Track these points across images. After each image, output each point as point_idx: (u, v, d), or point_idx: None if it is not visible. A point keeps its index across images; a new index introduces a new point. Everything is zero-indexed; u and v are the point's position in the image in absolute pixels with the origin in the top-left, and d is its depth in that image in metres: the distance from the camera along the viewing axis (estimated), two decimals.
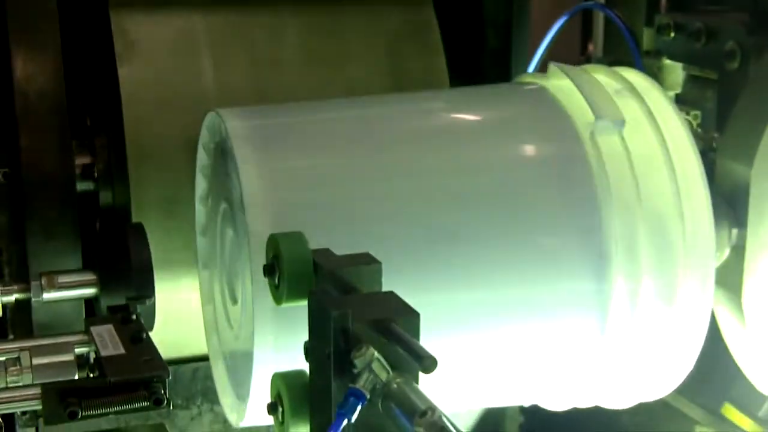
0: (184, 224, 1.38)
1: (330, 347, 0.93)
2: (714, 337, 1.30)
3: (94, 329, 1.02)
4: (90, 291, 1.19)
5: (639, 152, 1.21)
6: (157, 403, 0.89)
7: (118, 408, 0.88)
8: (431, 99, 1.36)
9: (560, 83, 1.28)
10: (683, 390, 1.52)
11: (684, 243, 1.21)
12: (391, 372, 0.89)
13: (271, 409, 1.04)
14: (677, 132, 1.25)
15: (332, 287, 0.98)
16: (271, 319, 1.09)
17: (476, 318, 1.17)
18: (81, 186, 1.40)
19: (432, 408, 0.83)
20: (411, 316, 0.93)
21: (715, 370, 1.49)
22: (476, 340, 1.18)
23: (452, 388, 1.19)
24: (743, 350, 1.37)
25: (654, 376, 1.27)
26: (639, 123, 1.23)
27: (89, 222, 1.40)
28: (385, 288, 0.99)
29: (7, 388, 1.00)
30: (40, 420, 1.11)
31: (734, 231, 1.32)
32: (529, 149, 1.24)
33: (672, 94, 1.57)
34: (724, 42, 1.45)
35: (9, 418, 1.25)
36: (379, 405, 0.90)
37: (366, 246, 1.02)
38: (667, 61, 1.57)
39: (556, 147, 1.23)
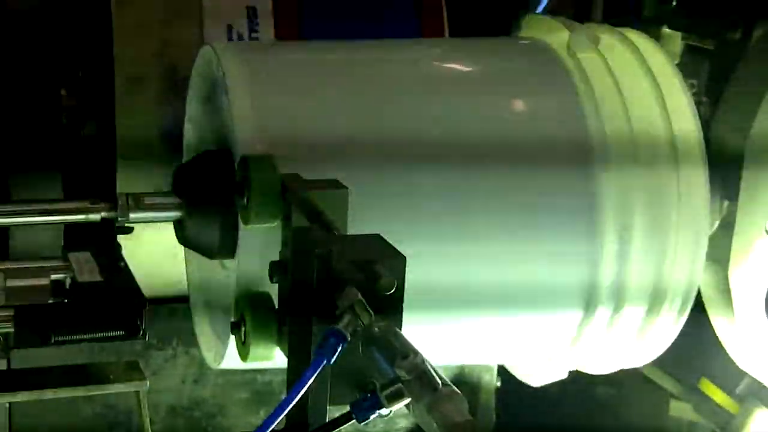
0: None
1: (311, 287, 0.91)
2: (694, 311, 1.29)
3: (72, 255, 1.00)
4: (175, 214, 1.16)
5: (636, 113, 1.20)
6: (132, 332, 0.87)
7: (91, 335, 0.86)
8: (434, 47, 1.34)
9: (561, 38, 1.27)
10: (661, 364, 1.52)
11: (678, 206, 1.19)
12: (373, 315, 0.87)
13: (234, 328, 1.05)
14: (674, 91, 1.24)
15: (300, 211, 0.98)
16: (256, 247, 1.08)
17: (462, 270, 1.16)
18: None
19: (414, 351, 0.81)
20: (396, 259, 0.91)
21: (693, 345, 1.48)
22: (461, 293, 1.17)
23: (433, 341, 1.18)
24: (727, 326, 1.36)
25: (639, 342, 1.26)
26: (637, 80, 1.22)
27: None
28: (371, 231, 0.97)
29: None
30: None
31: (725, 203, 1.30)
32: (525, 101, 1.23)
33: None
34: (727, 12, 1.43)
35: None
36: (360, 347, 0.88)
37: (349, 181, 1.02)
38: (667, 30, 1.55)
39: (553, 101, 1.21)
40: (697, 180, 1.21)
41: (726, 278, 1.31)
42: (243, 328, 1.06)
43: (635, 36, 1.30)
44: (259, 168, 1.04)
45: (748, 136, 1.29)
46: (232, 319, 1.08)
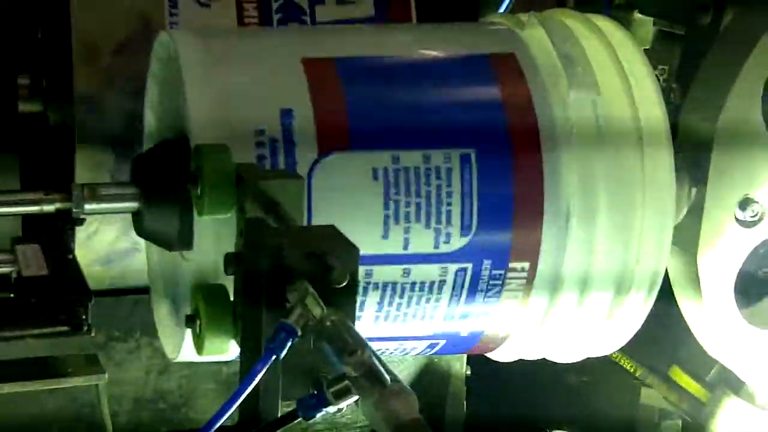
0: None
1: (262, 279, 0.89)
2: (663, 298, 1.28)
3: (19, 248, 0.98)
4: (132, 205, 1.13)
5: (601, 96, 1.18)
6: (77, 328, 0.85)
7: (34, 331, 0.84)
8: (397, 32, 1.32)
9: (532, 32, 1.24)
10: (631, 351, 1.51)
11: (643, 189, 1.18)
12: (325, 309, 0.86)
13: (189, 321, 1.03)
14: (641, 75, 1.22)
15: (254, 202, 0.96)
16: (210, 238, 1.06)
17: None
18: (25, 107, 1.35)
19: (362, 346, 0.79)
20: (350, 251, 0.90)
21: (663, 332, 1.47)
22: None
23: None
24: (696, 314, 1.35)
25: (606, 328, 1.24)
26: (602, 63, 1.20)
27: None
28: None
29: None
30: None
31: (693, 189, 1.29)
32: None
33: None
34: None
35: None
36: (311, 342, 0.86)
37: None
38: (638, 15, 1.54)
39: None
40: (662, 163, 1.20)
41: (695, 265, 1.30)
42: (198, 321, 1.04)
43: (601, 21, 1.28)
44: (213, 157, 1.02)
45: (717, 120, 1.28)
46: (187, 312, 1.06)
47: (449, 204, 1.14)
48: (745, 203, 1.30)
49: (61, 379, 1.21)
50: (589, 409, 1.66)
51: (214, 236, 1.06)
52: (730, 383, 1.47)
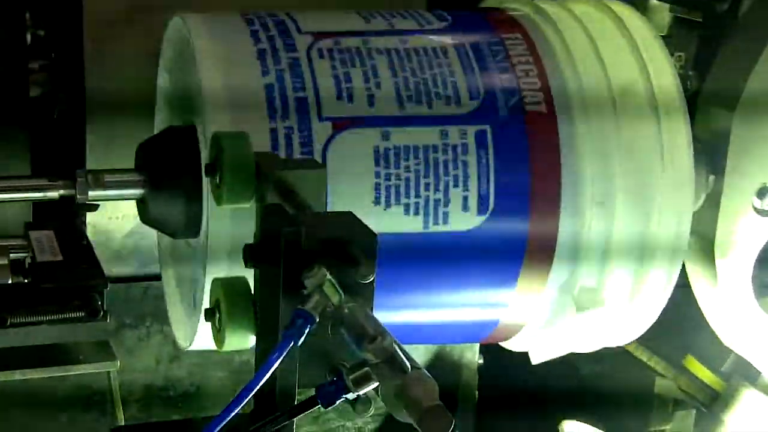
0: None
1: (279, 266, 0.88)
2: (679, 288, 1.26)
3: (33, 234, 0.96)
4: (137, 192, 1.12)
5: (615, 73, 1.18)
6: (93, 314, 0.84)
7: (49, 317, 0.82)
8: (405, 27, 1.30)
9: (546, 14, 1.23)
10: (645, 341, 1.50)
11: (662, 180, 1.17)
12: (343, 295, 0.85)
13: (209, 314, 1.00)
14: (661, 66, 1.21)
15: (274, 191, 0.94)
16: (227, 225, 1.04)
17: None
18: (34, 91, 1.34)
19: (383, 333, 0.78)
20: (368, 238, 0.88)
21: (678, 322, 1.46)
22: None
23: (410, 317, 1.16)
24: (712, 303, 1.34)
25: (627, 313, 1.23)
26: (623, 55, 1.19)
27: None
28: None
29: None
30: None
31: (711, 178, 1.28)
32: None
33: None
34: None
35: None
36: (329, 329, 0.85)
37: None
38: (654, 1, 1.52)
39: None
40: (678, 131, 1.19)
41: (712, 253, 1.29)
42: (218, 315, 1.00)
43: (615, 5, 1.27)
44: (232, 146, 0.99)
45: (735, 109, 1.27)
46: (206, 306, 1.03)
47: (467, 185, 1.13)
48: (763, 192, 1.28)
49: (73, 366, 1.20)
50: (602, 399, 1.65)
51: (227, 226, 1.05)
52: (746, 374, 1.46)
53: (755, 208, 1.29)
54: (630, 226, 1.18)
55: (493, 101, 1.16)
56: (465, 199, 1.13)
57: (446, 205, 1.13)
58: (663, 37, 1.50)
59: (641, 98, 1.19)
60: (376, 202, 1.12)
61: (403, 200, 1.12)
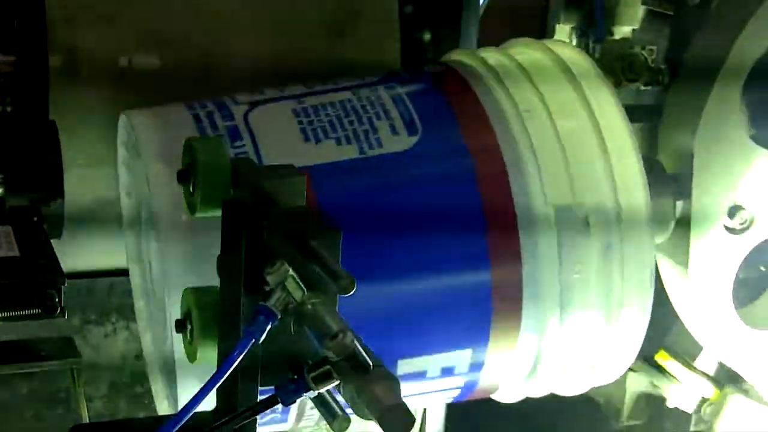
0: None
1: (241, 261, 0.86)
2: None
3: None
4: None
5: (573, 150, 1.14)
6: (49, 310, 0.82)
7: (5, 314, 0.81)
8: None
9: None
10: None
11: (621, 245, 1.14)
12: (306, 292, 0.83)
13: (180, 326, 0.97)
14: (614, 120, 1.16)
15: (251, 198, 0.91)
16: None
17: None
18: None
19: (344, 330, 0.77)
20: (331, 234, 0.87)
21: (651, 316, 1.45)
22: None
23: None
24: (684, 300, 1.33)
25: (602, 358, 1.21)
26: (573, 108, 1.16)
27: None
28: None
29: None
30: None
31: (678, 203, 1.27)
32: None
33: (629, 29, 1.51)
34: None
35: None
36: (291, 326, 0.83)
37: None
38: None
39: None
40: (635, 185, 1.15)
41: (685, 267, 1.28)
42: (189, 326, 0.97)
43: (569, 53, 1.22)
44: (207, 151, 0.94)
45: (696, 131, 1.25)
46: (177, 317, 0.99)
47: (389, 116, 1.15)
48: (733, 211, 1.28)
49: (36, 363, 1.18)
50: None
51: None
52: (733, 380, 1.45)
53: (727, 228, 1.28)
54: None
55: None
56: (392, 126, 1.13)
57: (375, 132, 1.13)
58: (634, 30, 1.50)
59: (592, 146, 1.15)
60: (306, 139, 1.12)
61: (332, 135, 1.13)
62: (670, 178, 1.26)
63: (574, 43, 1.56)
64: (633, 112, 1.42)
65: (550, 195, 1.12)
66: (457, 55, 1.27)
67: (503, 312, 1.13)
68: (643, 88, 1.44)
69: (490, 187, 1.12)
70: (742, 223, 1.28)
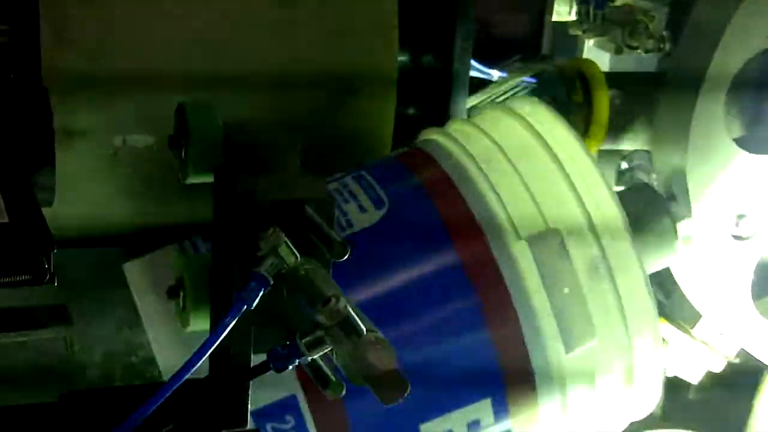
0: None
1: (233, 227, 0.85)
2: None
3: None
4: None
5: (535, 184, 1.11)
6: (39, 277, 0.81)
7: None
8: None
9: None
10: None
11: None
12: (299, 257, 0.82)
13: (172, 293, 0.96)
14: (598, 189, 1.12)
15: (243, 163, 0.89)
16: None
17: None
18: None
19: (337, 295, 0.76)
20: (324, 200, 0.86)
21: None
22: None
23: None
24: (683, 268, 1.32)
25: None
26: (526, 144, 1.13)
27: None
28: None
29: None
30: None
31: (678, 225, 1.25)
32: None
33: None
34: None
35: None
36: (285, 292, 0.82)
37: None
38: None
39: None
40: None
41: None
42: (182, 293, 0.96)
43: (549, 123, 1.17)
44: (199, 116, 0.93)
45: (687, 147, 1.24)
46: (170, 283, 0.99)
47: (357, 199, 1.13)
48: (737, 219, 1.27)
49: (29, 332, 1.17)
50: None
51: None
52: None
53: (734, 236, 1.27)
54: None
55: None
56: (360, 206, 1.11)
57: (345, 215, 1.10)
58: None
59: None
60: None
61: None
62: (661, 198, 1.25)
63: (575, 10, 1.54)
64: (634, 80, 1.42)
65: (520, 226, 1.09)
66: (423, 135, 1.24)
67: (508, 353, 1.10)
68: (644, 55, 1.42)
69: (463, 239, 1.09)
70: (748, 229, 1.28)
